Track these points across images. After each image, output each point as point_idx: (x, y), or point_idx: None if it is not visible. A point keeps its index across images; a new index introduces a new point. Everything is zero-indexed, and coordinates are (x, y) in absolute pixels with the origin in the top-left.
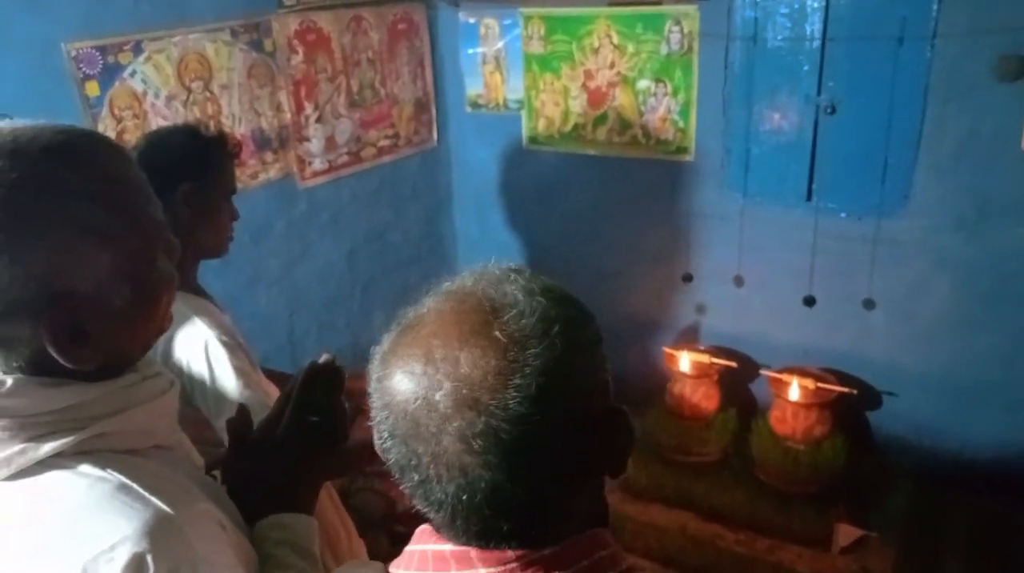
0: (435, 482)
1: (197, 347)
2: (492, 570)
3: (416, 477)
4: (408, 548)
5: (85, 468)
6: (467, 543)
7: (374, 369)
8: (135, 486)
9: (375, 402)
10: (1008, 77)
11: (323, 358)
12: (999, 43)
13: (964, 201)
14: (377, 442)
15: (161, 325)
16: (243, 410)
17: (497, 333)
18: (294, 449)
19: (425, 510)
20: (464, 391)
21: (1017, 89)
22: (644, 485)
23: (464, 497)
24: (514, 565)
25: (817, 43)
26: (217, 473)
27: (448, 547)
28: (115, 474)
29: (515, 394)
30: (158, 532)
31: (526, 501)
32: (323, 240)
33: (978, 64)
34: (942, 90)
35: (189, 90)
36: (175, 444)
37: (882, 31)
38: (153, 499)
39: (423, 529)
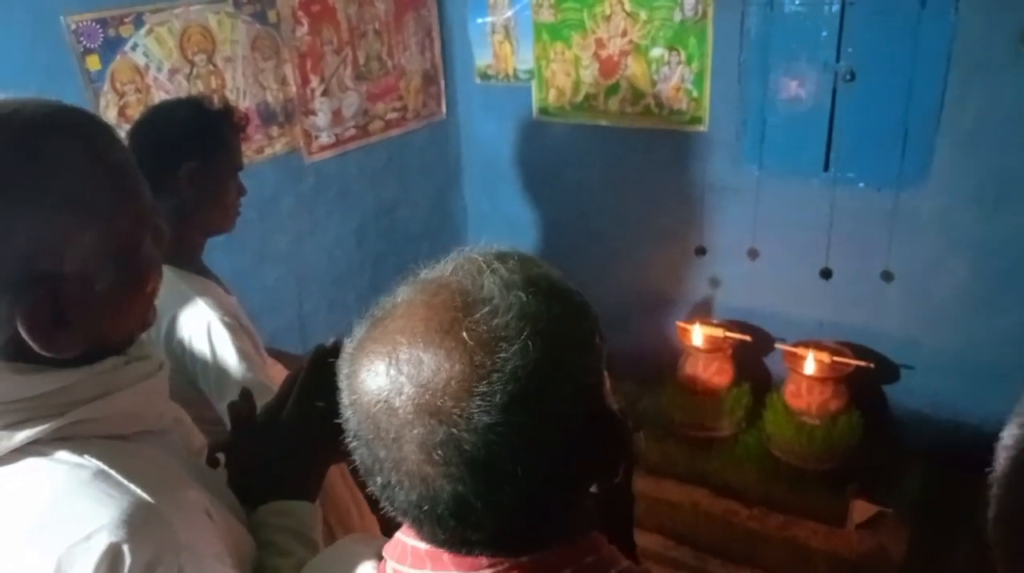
0: (397, 488)
1: (200, 328)
2: None
3: (379, 481)
4: (397, 535)
5: (62, 455)
6: (440, 547)
7: (343, 363)
8: (113, 473)
9: (343, 398)
10: None
11: (331, 341)
12: None
13: (984, 176)
14: (347, 439)
15: (145, 316)
16: (246, 393)
17: (465, 334)
18: (299, 434)
19: (392, 514)
20: (426, 397)
21: None
22: (657, 461)
23: (426, 507)
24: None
25: (836, 7)
26: (221, 456)
27: (423, 546)
28: (93, 460)
29: (480, 402)
30: (136, 521)
31: (494, 514)
32: (331, 215)
33: (1003, 34)
34: (965, 60)
35: (192, 63)
36: (168, 427)
37: None
38: (132, 486)
39: None
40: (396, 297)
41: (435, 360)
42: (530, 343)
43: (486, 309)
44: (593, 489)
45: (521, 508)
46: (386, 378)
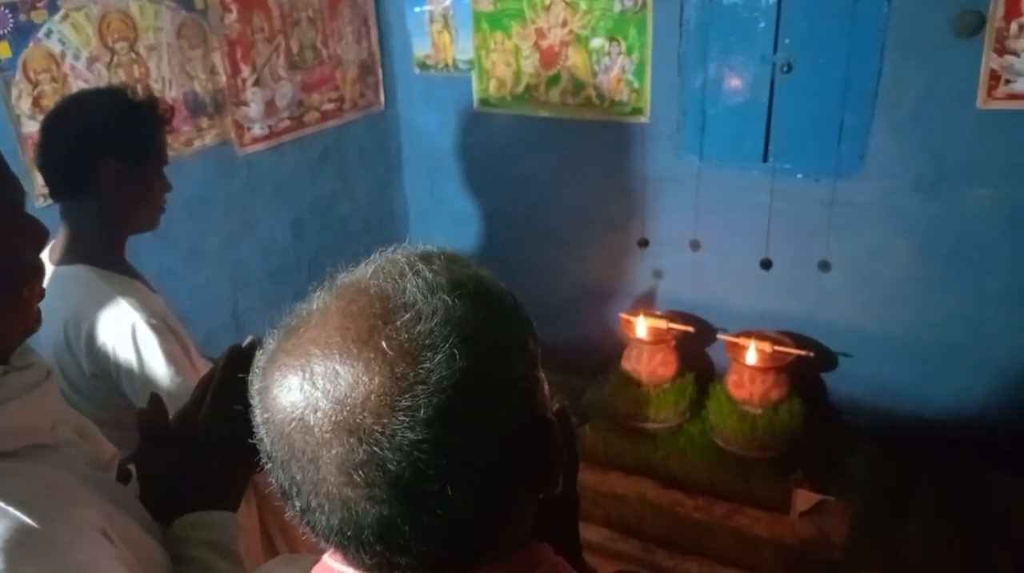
0: (317, 512)
1: (123, 330)
2: None
3: (298, 505)
4: (324, 558)
5: None
6: (367, 572)
7: (254, 378)
8: None
9: (256, 416)
10: (966, 33)
11: (247, 341)
12: None
13: (922, 161)
14: (262, 460)
15: (27, 323)
16: (156, 400)
17: (384, 343)
18: (215, 441)
19: (314, 540)
20: (344, 414)
21: (975, 45)
22: (602, 453)
23: (349, 532)
24: None
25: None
26: (132, 468)
27: (350, 570)
28: None
29: (404, 418)
30: (16, 547)
31: (423, 537)
32: (266, 211)
33: (935, 20)
34: (899, 47)
35: (113, 51)
36: (64, 440)
37: None
38: (11, 510)
39: None
40: (311, 304)
41: (353, 373)
42: (456, 351)
43: (407, 315)
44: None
45: (452, 529)
46: (300, 394)
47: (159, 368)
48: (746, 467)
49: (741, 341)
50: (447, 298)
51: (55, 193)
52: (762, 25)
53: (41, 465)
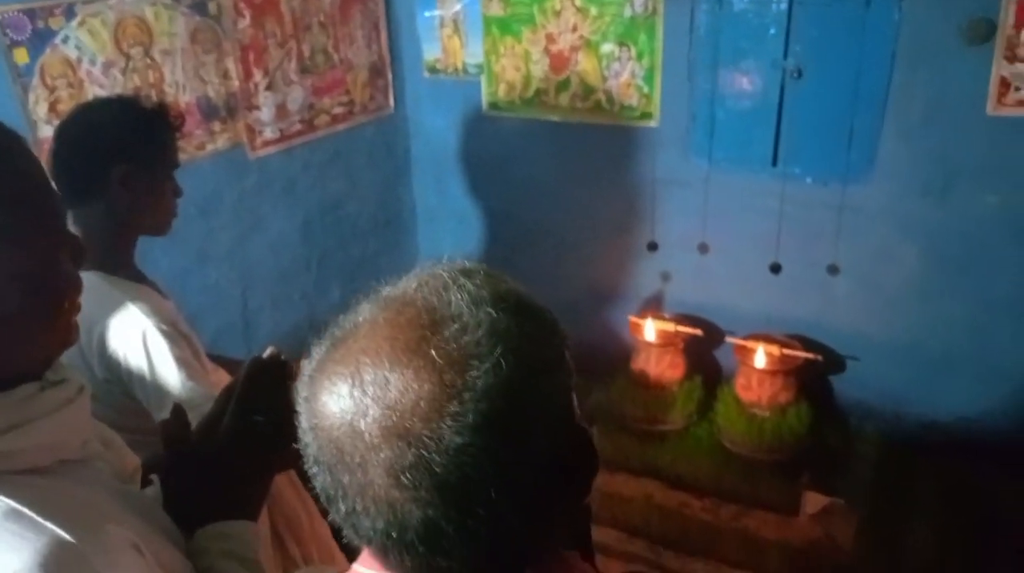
0: (363, 516)
1: (134, 337)
2: None
3: (343, 508)
4: (355, 566)
5: None
6: None
7: (301, 386)
8: (27, 512)
9: (302, 423)
10: (976, 40)
11: (267, 352)
12: (967, 5)
13: (930, 167)
14: (306, 465)
15: (65, 337)
16: (178, 411)
17: (433, 352)
18: (237, 452)
19: (356, 542)
20: (393, 419)
21: (985, 52)
22: (609, 455)
23: (394, 534)
24: None
25: (784, 5)
26: (155, 478)
27: None
28: (3, 499)
29: (451, 423)
30: (55, 563)
31: (466, 539)
32: (276, 212)
33: (946, 27)
34: (909, 54)
35: (128, 57)
36: (92, 454)
37: None
38: (49, 525)
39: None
40: (358, 316)
41: (402, 380)
42: (502, 361)
43: (455, 326)
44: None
45: (494, 532)
46: (350, 400)
47: (170, 374)
48: (753, 469)
49: (749, 344)
50: (491, 310)
51: (67, 199)
52: (772, 31)
53: (72, 481)
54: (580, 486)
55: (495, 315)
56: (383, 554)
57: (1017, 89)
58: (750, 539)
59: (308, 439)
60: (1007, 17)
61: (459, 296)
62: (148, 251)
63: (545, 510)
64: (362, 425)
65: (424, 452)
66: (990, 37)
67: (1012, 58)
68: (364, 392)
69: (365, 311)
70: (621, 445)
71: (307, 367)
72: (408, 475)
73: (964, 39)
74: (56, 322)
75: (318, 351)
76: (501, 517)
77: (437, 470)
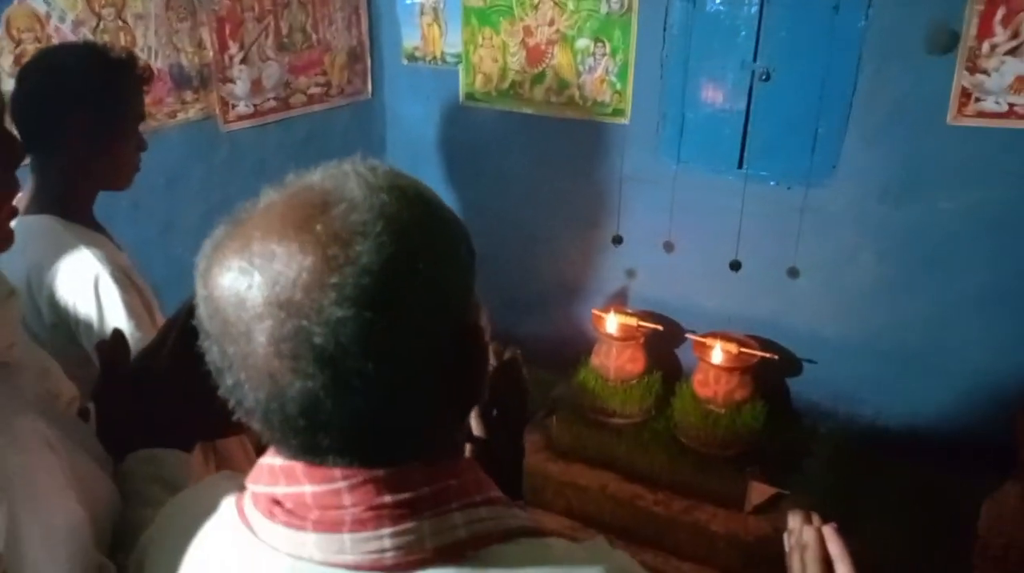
0: (246, 386)
1: (86, 282)
2: (319, 488)
3: (229, 381)
4: (259, 460)
5: None
6: (294, 457)
7: (199, 262)
8: None
9: (198, 298)
10: (939, 50)
11: None
12: (933, 14)
13: (891, 172)
14: (200, 341)
15: None
16: (118, 335)
17: (320, 227)
18: (175, 379)
19: (243, 418)
20: (276, 289)
21: (948, 62)
22: (567, 445)
23: (274, 405)
24: (341, 485)
25: (755, 8)
26: (91, 406)
27: (279, 461)
28: None
29: (331, 294)
30: None
31: (345, 415)
32: (246, 188)
33: (911, 35)
34: (874, 60)
35: (99, 16)
36: (16, 361)
37: None
38: None
39: None
40: (258, 201)
41: (287, 252)
42: (386, 239)
43: (344, 206)
44: (478, 431)
45: (372, 410)
46: (238, 271)
47: (119, 321)
48: (706, 464)
49: (708, 341)
50: (385, 196)
51: (27, 144)
52: (743, 33)
53: None
54: (466, 386)
55: (387, 199)
56: (269, 429)
57: (977, 100)
58: (700, 531)
59: (200, 312)
60: (970, 28)
61: (356, 182)
62: (112, 219)
63: (427, 400)
64: (247, 295)
65: (304, 322)
66: (953, 47)
67: (973, 69)
68: (251, 263)
69: (266, 196)
70: (579, 435)
71: (207, 245)
72: (288, 344)
73: (927, 48)
74: None
75: (218, 231)
76: (377, 395)
77: (316, 341)
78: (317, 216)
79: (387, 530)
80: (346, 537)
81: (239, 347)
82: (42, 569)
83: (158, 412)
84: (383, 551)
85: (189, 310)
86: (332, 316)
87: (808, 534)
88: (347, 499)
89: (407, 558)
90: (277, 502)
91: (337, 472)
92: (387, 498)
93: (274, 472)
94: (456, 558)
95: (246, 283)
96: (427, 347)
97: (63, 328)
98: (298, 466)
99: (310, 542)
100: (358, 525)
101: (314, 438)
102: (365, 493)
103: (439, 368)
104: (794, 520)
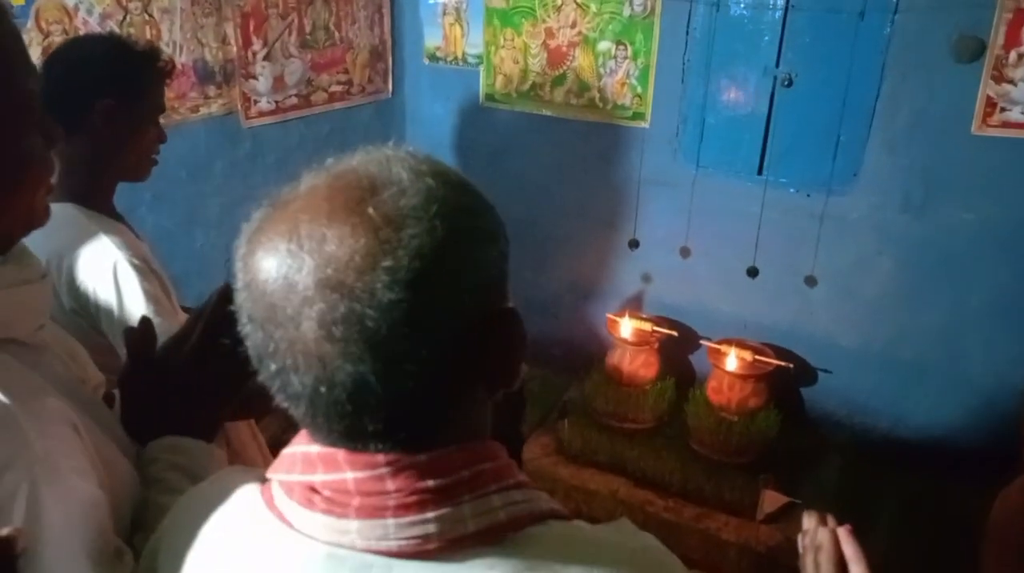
0: (292, 372)
1: (105, 268)
2: (361, 474)
3: (273, 366)
4: (284, 451)
5: None
6: (334, 444)
7: (239, 246)
8: None
9: (237, 282)
10: (965, 58)
11: None
12: (959, 23)
13: (912, 181)
14: (240, 326)
15: (30, 217)
16: (146, 322)
17: (371, 210)
18: (200, 369)
19: (286, 405)
20: (328, 271)
21: (973, 71)
22: (579, 449)
23: (323, 390)
24: (384, 470)
25: (779, 13)
26: (116, 393)
27: (316, 449)
28: None
29: (384, 277)
30: None
31: (392, 399)
32: (267, 183)
33: (937, 43)
34: (899, 68)
35: (126, 10)
36: (45, 345)
37: (845, 3)
38: None
39: (302, 432)
40: (299, 184)
41: (339, 235)
42: (437, 223)
43: (393, 189)
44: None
45: (419, 394)
46: (286, 254)
47: (139, 308)
48: (719, 471)
49: (723, 347)
50: (431, 181)
51: None
52: (767, 38)
53: (19, 360)
54: (504, 369)
55: (433, 184)
56: (312, 416)
57: (1003, 110)
58: (710, 539)
59: (242, 298)
60: (997, 37)
61: (400, 166)
62: (134, 209)
63: (470, 381)
64: (297, 278)
65: (356, 305)
66: (979, 56)
67: (999, 78)
68: (300, 246)
69: (307, 179)
70: (590, 440)
71: (246, 229)
72: (340, 328)
73: (953, 56)
74: (16, 199)
75: (257, 215)
76: (426, 377)
77: (369, 324)
78: (368, 199)
79: (431, 514)
80: (390, 522)
81: (286, 331)
82: (60, 549)
83: (182, 399)
84: (427, 536)
85: (219, 299)
86: (384, 299)
87: (823, 535)
88: (391, 484)
89: (450, 541)
90: (315, 490)
91: (380, 457)
92: (430, 482)
93: (310, 460)
94: (497, 540)
95: (296, 266)
96: (472, 330)
97: (83, 314)
98: (340, 453)
99: (353, 529)
100: (402, 510)
101: (360, 422)
102: (408, 478)
103: (482, 351)
104: (809, 521)
